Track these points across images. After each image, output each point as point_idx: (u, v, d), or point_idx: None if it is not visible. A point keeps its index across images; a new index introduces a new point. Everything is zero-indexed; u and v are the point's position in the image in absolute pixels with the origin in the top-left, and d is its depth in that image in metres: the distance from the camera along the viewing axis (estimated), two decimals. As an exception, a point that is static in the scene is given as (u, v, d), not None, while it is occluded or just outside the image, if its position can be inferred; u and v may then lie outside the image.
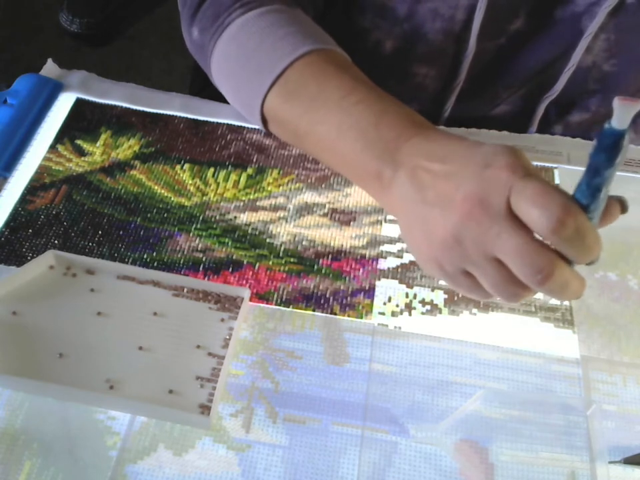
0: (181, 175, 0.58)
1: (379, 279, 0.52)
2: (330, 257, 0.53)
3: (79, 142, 0.60)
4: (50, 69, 0.66)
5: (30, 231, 0.53)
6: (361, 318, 0.49)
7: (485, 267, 0.37)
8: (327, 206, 0.56)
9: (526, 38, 0.59)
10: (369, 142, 0.42)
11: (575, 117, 0.66)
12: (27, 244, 0.52)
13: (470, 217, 0.36)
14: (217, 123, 0.62)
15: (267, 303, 0.50)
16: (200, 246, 0.53)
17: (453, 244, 0.37)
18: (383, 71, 0.65)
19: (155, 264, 0.52)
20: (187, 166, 0.58)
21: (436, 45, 0.60)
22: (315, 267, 0.52)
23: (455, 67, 0.61)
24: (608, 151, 0.32)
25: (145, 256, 0.52)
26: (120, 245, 0.53)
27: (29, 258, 0.51)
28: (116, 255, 0.52)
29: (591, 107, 0.65)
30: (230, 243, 0.53)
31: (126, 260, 0.52)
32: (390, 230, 0.55)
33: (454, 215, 0.36)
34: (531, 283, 0.35)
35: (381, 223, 0.55)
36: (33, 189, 0.56)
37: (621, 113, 0.31)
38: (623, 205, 0.36)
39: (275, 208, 0.56)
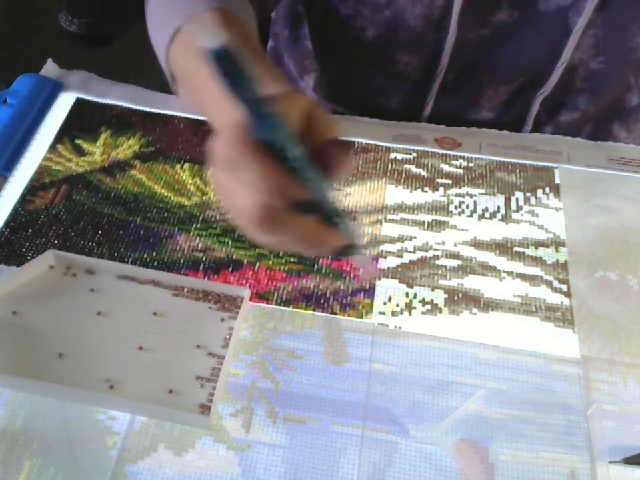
0: (181, 175, 0.58)
1: (379, 279, 0.52)
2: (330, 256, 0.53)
3: (78, 142, 0.60)
4: (50, 68, 0.66)
5: (30, 230, 0.53)
6: (361, 318, 0.49)
7: None
8: (327, 206, 0.56)
9: (511, 31, 0.59)
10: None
11: (565, 117, 0.66)
12: (27, 244, 0.52)
13: None
14: (217, 122, 0.62)
15: (266, 303, 0.50)
16: (200, 245, 0.53)
17: None
18: (366, 59, 0.66)
19: (155, 264, 0.52)
20: (186, 165, 0.58)
21: (417, 32, 0.60)
22: (315, 266, 0.52)
23: (436, 55, 0.62)
24: (234, 73, 0.26)
25: (145, 256, 0.52)
26: (120, 245, 0.53)
27: (28, 258, 0.51)
28: (116, 254, 0.52)
29: (580, 106, 0.64)
30: (230, 243, 0.53)
31: (126, 260, 0.52)
32: (390, 230, 0.55)
33: None
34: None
35: (381, 223, 0.55)
36: (32, 189, 0.56)
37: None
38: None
39: (275, 208, 0.56)
